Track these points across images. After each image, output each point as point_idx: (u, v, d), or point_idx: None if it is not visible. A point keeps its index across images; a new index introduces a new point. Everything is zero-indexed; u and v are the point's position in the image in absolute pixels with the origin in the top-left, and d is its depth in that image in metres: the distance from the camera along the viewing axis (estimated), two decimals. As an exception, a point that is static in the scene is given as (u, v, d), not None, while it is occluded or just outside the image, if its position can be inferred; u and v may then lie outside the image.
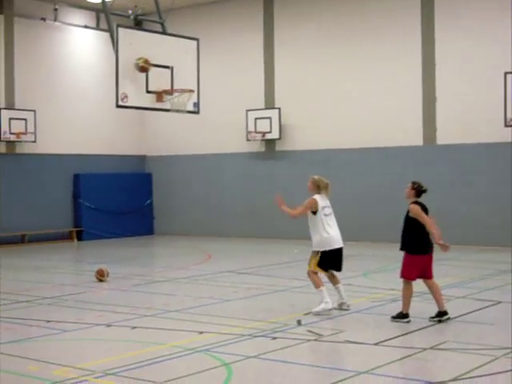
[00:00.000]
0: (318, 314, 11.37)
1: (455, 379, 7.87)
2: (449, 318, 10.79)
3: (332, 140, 23.74)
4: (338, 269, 11.87)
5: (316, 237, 11.67)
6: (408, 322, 10.70)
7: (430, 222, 10.75)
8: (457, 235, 20.89)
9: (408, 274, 10.81)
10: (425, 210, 10.91)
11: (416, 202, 10.91)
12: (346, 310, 11.79)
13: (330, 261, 11.67)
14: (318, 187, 11.92)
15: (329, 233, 11.69)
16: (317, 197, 11.82)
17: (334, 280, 11.93)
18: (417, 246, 10.80)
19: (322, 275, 11.80)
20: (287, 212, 12.01)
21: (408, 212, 10.91)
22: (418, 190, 10.96)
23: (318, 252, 11.63)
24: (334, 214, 12.08)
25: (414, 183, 11.04)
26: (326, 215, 11.76)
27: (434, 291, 10.97)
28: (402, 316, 10.78)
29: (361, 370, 8.20)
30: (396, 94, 22.57)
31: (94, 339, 10.14)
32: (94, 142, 26.06)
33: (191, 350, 9.24)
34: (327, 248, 11.61)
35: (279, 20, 24.80)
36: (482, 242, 20.89)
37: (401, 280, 11.02)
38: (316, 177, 12.08)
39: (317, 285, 11.57)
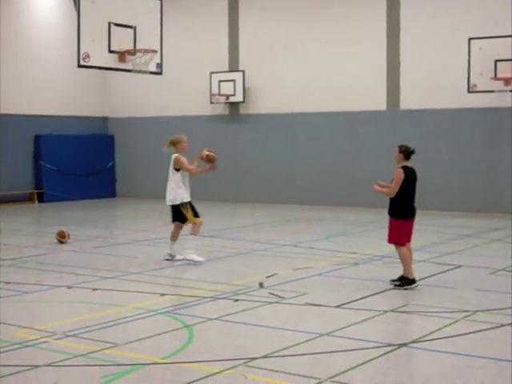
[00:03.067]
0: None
1: (415, 341, 7.95)
2: (417, 286, 10.71)
3: (296, 104, 23.68)
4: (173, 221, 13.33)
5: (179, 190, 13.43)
6: (416, 286, 10.61)
7: (389, 194, 10.69)
8: (419, 200, 21.01)
9: (398, 239, 10.72)
10: (413, 174, 10.79)
11: (404, 167, 10.74)
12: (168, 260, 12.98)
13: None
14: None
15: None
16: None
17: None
18: (404, 211, 10.71)
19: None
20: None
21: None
22: (406, 152, 10.79)
23: (187, 204, 13.40)
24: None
25: (400, 146, 10.85)
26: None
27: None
28: (409, 282, 10.65)
29: (322, 332, 8.25)
30: (360, 58, 22.53)
31: (55, 301, 10.08)
32: (56, 103, 25.72)
33: (153, 312, 9.23)
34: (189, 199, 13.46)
35: (244, -19, 24.58)
36: (444, 207, 21.10)
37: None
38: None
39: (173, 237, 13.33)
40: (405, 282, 10.70)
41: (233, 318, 8.99)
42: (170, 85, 25.24)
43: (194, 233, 12.96)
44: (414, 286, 10.66)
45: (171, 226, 13.45)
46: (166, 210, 22.16)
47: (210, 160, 12.63)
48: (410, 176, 10.73)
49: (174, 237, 13.21)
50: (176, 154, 13.36)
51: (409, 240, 10.91)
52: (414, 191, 10.85)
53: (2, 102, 23.89)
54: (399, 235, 10.73)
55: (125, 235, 16.95)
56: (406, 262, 10.72)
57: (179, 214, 13.09)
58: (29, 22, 24.92)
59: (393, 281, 10.89)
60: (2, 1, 24.08)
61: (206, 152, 12.60)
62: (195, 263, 12.61)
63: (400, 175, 10.67)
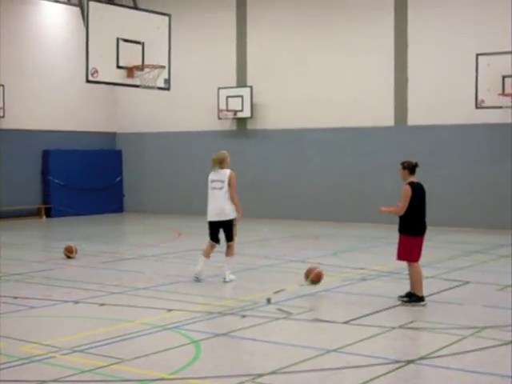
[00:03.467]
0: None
1: (423, 358, 7.91)
2: (425, 304, 10.64)
3: (304, 119, 23.70)
4: (215, 240, 12.92)
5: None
6: (424, 305, 10.55)
7: (398, 212, 10.65)
8: (427, 216, 21.02)
9: (408, 256, 10.65)
10: (421, 190, 10.72)
11: (410, 183, 10.66)
12: (199, 281, 12.49)
13: (211, 231, 12.87)
14: (212, 162, 12.97)
15: (209, 205, 12.79)
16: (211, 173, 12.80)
17: (227, 251, 12.80)
18: (414, 227, 10.63)
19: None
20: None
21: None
22: (410, 167, 10.72)
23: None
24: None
25: (403, 163, 10.80)
26: (213, 188, 12.79)
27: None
28: (418, 299, 10.58)
29: (330, 349, 8.21)
30: (368, 74, 22.55)
31: (62, 316, 10.07)
32: (64, 118, 25.81)
33: (160, 328, 9.21)
34: (208, 219, 12.84)
35: (252, -2, 24.67)
36: (451, 224, 21.02)
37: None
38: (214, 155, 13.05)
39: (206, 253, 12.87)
40: (414, 298, 10.64)
41: (240, 333, 8.97)
42: (177, 100, 25.30)
43: (233, 253, 12.89)
44: (422, 303, 10.59)
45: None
46: (173, 225, 22.27)
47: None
48: (417, 191, 10.67)
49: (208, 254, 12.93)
50: (230, 170, 12.85)
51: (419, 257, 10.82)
52: (423, 206, 10.77)
53: (10, 117, 23.99)
54: (409, 252, 10.65)
55: (132, 250, 16.95)
56: (418, 279, 10.63)
57: (231, 231, 12.75)
58: (38, 38, 25.04)
59: (401, 297, 10.86)
60: (10, 18, 24.21)
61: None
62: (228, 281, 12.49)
63: (407, 192, 10.61)
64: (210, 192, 12.70)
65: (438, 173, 21.13)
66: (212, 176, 12.72)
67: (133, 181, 27.30)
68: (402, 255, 10.74)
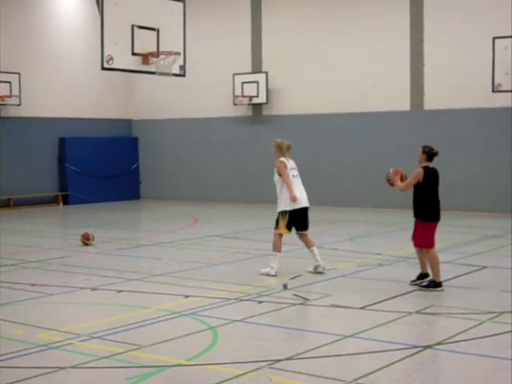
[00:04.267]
0: (262, 274, 11.71)
1: (440, 343, 7.90)
2: (442, 290, 10.62)
3: (319, 104, 23.64)
4: (305, 227, 11.99)
5: (284, 196, 11.81)
6: (442, 290, 10.51)
7: (401, 187, 10.69)
8: (444, 200, 20.90)
9: (425, 242, 10.62)
10: (434, 175, 10.72)
11: (426, 168, 10.65)
12: (321, 272, 11.87)
13: (296, 220, 11.85)
14: (281, 150, 12.11)
15: (300, 190, 11.89)
16: (283, 159, 11.96)
17: (307, 243, 12.04)
18: (430, 212, 10.61)
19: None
20: (292, 195, 11.75)
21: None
22: (429, 153, 10.69)
23: (286, 213, 11.79)
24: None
25: (424, 147, 10.77)
26: (293, 176, 11.91)
27: (423, 254, 10.85)
28: (435, 285, 10.55)
29: (347, 334, 8.21)
30: (384, 58, 22.44)
31: (80, 303, 10.12)
32: (80, 106, 25.85)
33: (177, 314, 9.23)
34: (295, 207, 11.76)
35: (267, -17, 24.57)
36: (469, 208, 20.94)
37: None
38: (279, 140, 12.33)
39: (275, 248, 11.84)
40: (432, 284, 10.61)
41: (257, 319, 8.98)
42: (193, 87, 25.28)
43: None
44: (439, 289, 10.57)
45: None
46: (190, 212, 22.32)
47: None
48: (431, 176, 10.65)
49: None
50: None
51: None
52: (436, 193, 10.72)
53: (26, 105, 24.06)
54: (426, 237, 10.62)
55: (149, 237, 16.99)
56: (435, 265, 10.60)
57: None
58: (52, 26, 25.07)
59: (413, 281, 10.88)
60: (26, 5, 24.25)
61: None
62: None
63: (419, 174, 10.58)
64: (292, 179, 11.80)
65: (455, 157, 21.04)
66: (288, 164, 11.89)
67: (149, 168, 27.35)
68: (418, 241, 10.72)
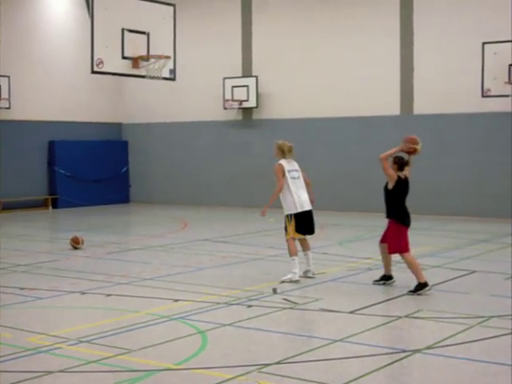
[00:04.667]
0: (283, 282, 11.41)
1: (429, 347, 7.91)
2: (393, 282, 11.14)
3: (309, 109, 23.66)
4: (311, 232, 11.92)
5: (287, 201, 11.71)
6: (430, 289, 10.61)
7: (386, 167, 10.88)
8: (433, 205, 21.03)
9: (400, 247, 10.77)
10: (405, 185, 10.92)
11: (398, 177, 10.90)
12: (310, 277, 11.86)
13: (302, 224, 11.74)
14: (283, 151, 11.98)
15: (299, 196, 11.74)
16: (282, 161, 11.88)
17: (304, 246, 11.97)
18: (403, 217, 10.84)
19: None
20: (272, 199, 11.77)
21: (386, 183, 10.93)
22: (400, 164, 10.95)
23: (291, 216, 11.68)
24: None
25: (395, 158, 11.01)
26: (293, 178, 11.78)
27: (387, 256, 11.14)
28: (421, 286, 10.61)
29: (336, 338, 8.22)
30: (374, 63, 22.48)
31: (69, 307, 10.09)
32: (70, 109, 25.79)
33: (166, 318, 9.22)
34: (299, 210, 11.66)
35: (257, -13, 24.60)
36: (458, 213, 20.97)
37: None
38: (280, 141, 12.18)
39: (292, 252, 11.63)
40: (418, 287, 10.64)
41: (246, 323, 8.98)
42: (183, 90, 25.29)
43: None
44: (427, 289, 10.61)
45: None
46: (180, 216, 22.29)
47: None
48: (402, 185, 10.89)
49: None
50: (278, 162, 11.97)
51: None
52: (405, 201, 10.94)
53: (16, 108, 24.00)
54: (400, 242, 10.77)
55: (138, 241, 16.97)
56: (415, 267, 10.72)
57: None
58: (42, 29, 25.02)
59: (376, 281, 11.23)
60: (15, 8, 24.20)
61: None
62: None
63: (394, 177, 10.85)
64: (291, 182, 11.72)
65: (445, 162, 21.09)
66: (288, 166, 11.80)
67: (139, 171, 27.32)
68: (393, 247, 10.86)
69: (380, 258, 11.48)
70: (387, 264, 11.26)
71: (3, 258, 14.03)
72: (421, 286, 10.62)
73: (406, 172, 10.98)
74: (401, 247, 10.78)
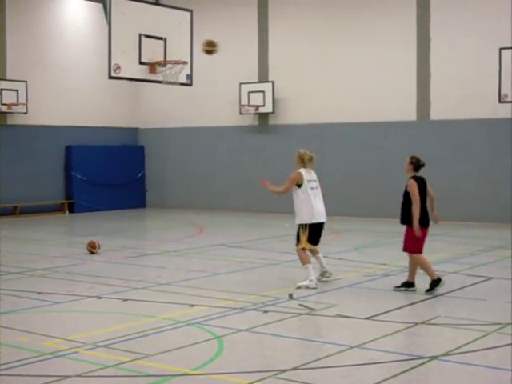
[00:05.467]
0: (299, 287, 11.38)
1: (446, 354, 7.88)
2: (414, 291, 11.08)
3: (325, 114, 23.65)
4: (317, 243, 11.90)
5: (302, 210, 11.69)
6: (443, 284, 10.88)
7: (416, 204, 10.81)
8: (449, 211, 20.91)
9: (414, 247, 10.95)
10: (423, 183, 11.05)
11: (414, 177, 11.01)
12: (327, 278, 11.96)
13: (315, 234, 11.76)
14: (303, 161, 11.92)
15: (316, 206, 11.73)
16: (302, 170, 11.85)
17: (313, 251, 11.96)
18: (419, 218, 10.86)
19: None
20: (274, 190, 12.10)
21: (406, 187, 10.98)
22: (416, 165, 11.06)
23: (306, 226, 11.66)
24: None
25: (412, 157, 11.14)
26: (311, 188, 11.77)
27: (414, 264, 11.16)
28: (435, 283, 10.86)
29: (352, 345, 8.20)
30: (391, 68, 22.45)
31: (85, 311, 10.12)
32: (87, 114, 25.91)
33: (183, 323, 9.23)
34: (314, 221, 11.66)
35: (274, -7, 24.63)
36: (473, 218, 20.89)
37: (403, 254, 11.20)
38: (301, 150, 12.09)
39: (304, 261, 11.64)
40: (433, 284, 10.88)
41: (262, 329, 8.97)
42: (199, 96, 25.33)
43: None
44: (441, 284, 10.88)
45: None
46: (196, 221, 22.32)
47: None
48: (419, 185, 10.97)
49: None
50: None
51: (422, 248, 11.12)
52: (425, 200, 11.02)
53: (33, 114, 24.13)
54: (415, 243, 10.92)
55: (154, 246, 17.01)
56: (426, 266, 10.96)
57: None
58: (60, 34, 25.15)
59: (397, 287, 11.23)
60: (33, 14, 24.35)
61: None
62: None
63: (413, 183, 10.91)
64: (310, 192, 11.70)
65: (461, 168, 21.02)
66: (307, 176, 11.77)
67: (155, 176, 27.37)
68: (408, 247, 11.03)
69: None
70: (412, 271, 11.24)
71: (20, 262, 14.11)
72: (435, 283, 10.84)
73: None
74: (415, 248, 10.95)
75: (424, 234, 10.97)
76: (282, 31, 24.43)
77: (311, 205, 11.65)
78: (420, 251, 10.96)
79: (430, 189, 11.17)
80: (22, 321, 9.40)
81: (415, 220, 10.79)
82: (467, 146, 21.27)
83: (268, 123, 24.99)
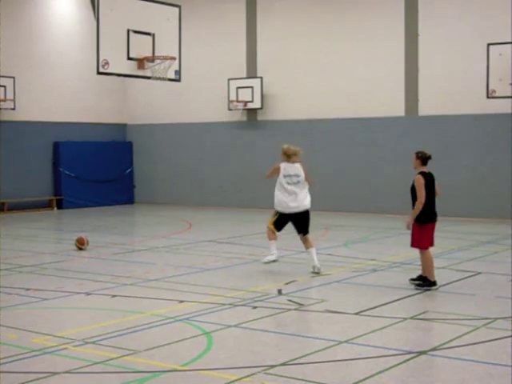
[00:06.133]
0: (264, 263, 12.63)
1: (435, 349, 7.90)
2: (437, 289, 11.01)
3: (314, 110, 23.66)
4: (301, 231, 12.65)
5: (275, 198, 12.60)
6: (436, 289, 10.92)
7: (420, 201, 10.85)
8: (437, 206, 20.96)
9: (419, 243, 11.02)
10: (431, 179, 11.11)
11: (422, 173, 11.04)
12: (316, 273, 12.27)
13: (282, 223, 12.68)
14: (287, 156, 12.65)
15: (283, 199, 12.48)
16: (282, 164, 12.58)
17: (306, 244, 12.58)
18: (424, 215, 10.94)
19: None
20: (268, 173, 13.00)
21: (413, 182, 11.01)
22: (423, 158, 11.10)
23: (276, 212, 12.63)
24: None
25: (417, 153, 11.20)
26: (288, 183, 12.46)
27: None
28: (430, 284, 10.94)
29: (341, 340, 8.21)
30: (379, 64, 22.47)
31: (74, 308, 10.10)
32: (75, 110, 25.84)
33: (171, 319, 9.22)
34: (280, 210, 12.56)
35: (262, -12, 24.61)
36: (462, 214, 20.96)
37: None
38: (285, 146, 12.82)
39: (269, 237, 12.74)
40: (427, 283, 10.94)
41: (252, 325, 8.98)
42: (188, 92, 25.31)
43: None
44: (434, 288, 10.91)
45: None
46: (184, 217, 22.29)
47: None
48: (428, 181, 11.02)
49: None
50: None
51: (432, 244, 11.13)
52: (433, 195, 11.10)
53: (21, 109, 24.04)
54: (421, 239, 10.97)
55: (143, 242, 16.98)
56: (429, 265, 10.98)
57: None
58: (48, 30, 25.05)
59: (412, 280, 11.16)
60: (21, 9, 24.24)
61: None
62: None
63: (420, 180, 10.94)
64: (285, 185, 12.47)
65: (450, 163, 21.07)
66: (288, 169, 12.52)
67: (143, 172, 27.34)
68: (415, 243, 11.09)
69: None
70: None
71: (8, 259, 14.06)
72: (430, 284, 10.94)
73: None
74: (421, 243, 10.99)
75: (431, 230, 11.04)
76: (270, 27, 24.41)
77: (281, 197, 12.46)
78: (426, 247, 10.99)
79: (437, 186, 11.23)
80: (10, 317, 9.37)
81: (414, 213, 10.87)
82: (455, 142, 21.32)
83: (257, 119, 24.98)
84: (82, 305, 10.23)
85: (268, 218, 12.93)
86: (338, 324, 9.08)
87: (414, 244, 11.09)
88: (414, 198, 11.00)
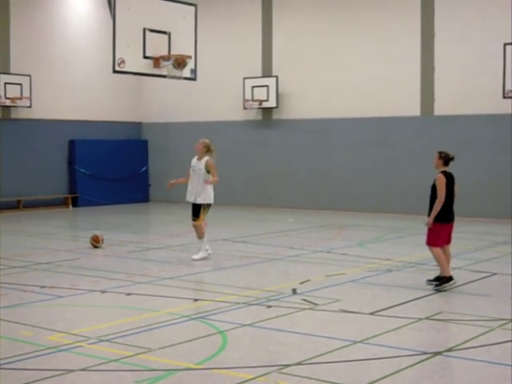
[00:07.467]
0: (198, 260, 13.61)
1: (450, 349, 7.88)
2: (455, 283, 11.07)
3: (329, 109, 23.61)
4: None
5: (210, 193, 14.59)
6: (454, 283, 10.96)
7: (440, 200, 10.89)
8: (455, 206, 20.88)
9: (435, 241, 11.04)
10: (452, 180, 11.17)
11: (444, 172, 11.10)
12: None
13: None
14: (209, 150, 14.90)
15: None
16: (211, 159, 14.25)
17: (200, 234, 14.09)
18: (443, 214, 10.98)
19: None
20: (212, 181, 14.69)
21: (434, 181, 11.02)
22: (446, 159, 11.17)
23: (209, 205, 14.41)
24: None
25: (440, 153, 11.26)
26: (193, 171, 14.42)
27: (447, 255, 11.24)
28: (447, 280, 10.97)
29: (356, 340, 8.20)
30: (395, 63, 22.40)
31: (89, 305, 10.13)
32: (90, 108, 25.90)
33: (186, 318, 9.24)
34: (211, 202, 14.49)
35: (278, -13, 24.58)
36: (477, 214, 20.86)
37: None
38: (206, 140, 15.01)
39: (203, 235, 13.92)
40: (443, 280, 10.95)
41: (266, 324, 8.98)
42: (203, 90, 25.31)
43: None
44: (451, 283, 10.94)
45: (206, 231, 13.75)
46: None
47: None
48: (448, 181, 11.07)
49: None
50: (209, 158, 14.46)
51: (448, 242, 11.21)
52: (452, 195, 11.16)
53: (37, 108, 24.12)
54: (437, 237, 11.01)
55: (158, 240, 17.01)
56: (441, 261, 11.01)
57: (199, 212, 14.26)
58: (64, 29, 25.13)
59: (430, 281, 11.16)
60: (37, 8, 24.33)
61: None
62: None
63: (442, 179, 11.01)
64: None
65: (465, 163, 20.94)
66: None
67: (158, 170, 27.36)
68: (429, 240, 11.12)
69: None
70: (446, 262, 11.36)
71: (24, 256, 14.12)
72: (446, 280, 10.95)
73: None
74: (435, 241, 11.02)
75: (448, 229, 11.11)
76: (286, 26, 24.39)
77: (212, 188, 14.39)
78: (441, 245, 11.03)
79: (456, 187, 11.26)
80: (25, 315, 9.41)
81: (433, 212, 10.91)
82: (471, 142, 21.23)
83: (272, 118, 24.96)
84: (96, 303, 10.26)
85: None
86: (353, 324, 9.07)
87: (429, 242, 11.09)
88: (434, 196, 11.01)
